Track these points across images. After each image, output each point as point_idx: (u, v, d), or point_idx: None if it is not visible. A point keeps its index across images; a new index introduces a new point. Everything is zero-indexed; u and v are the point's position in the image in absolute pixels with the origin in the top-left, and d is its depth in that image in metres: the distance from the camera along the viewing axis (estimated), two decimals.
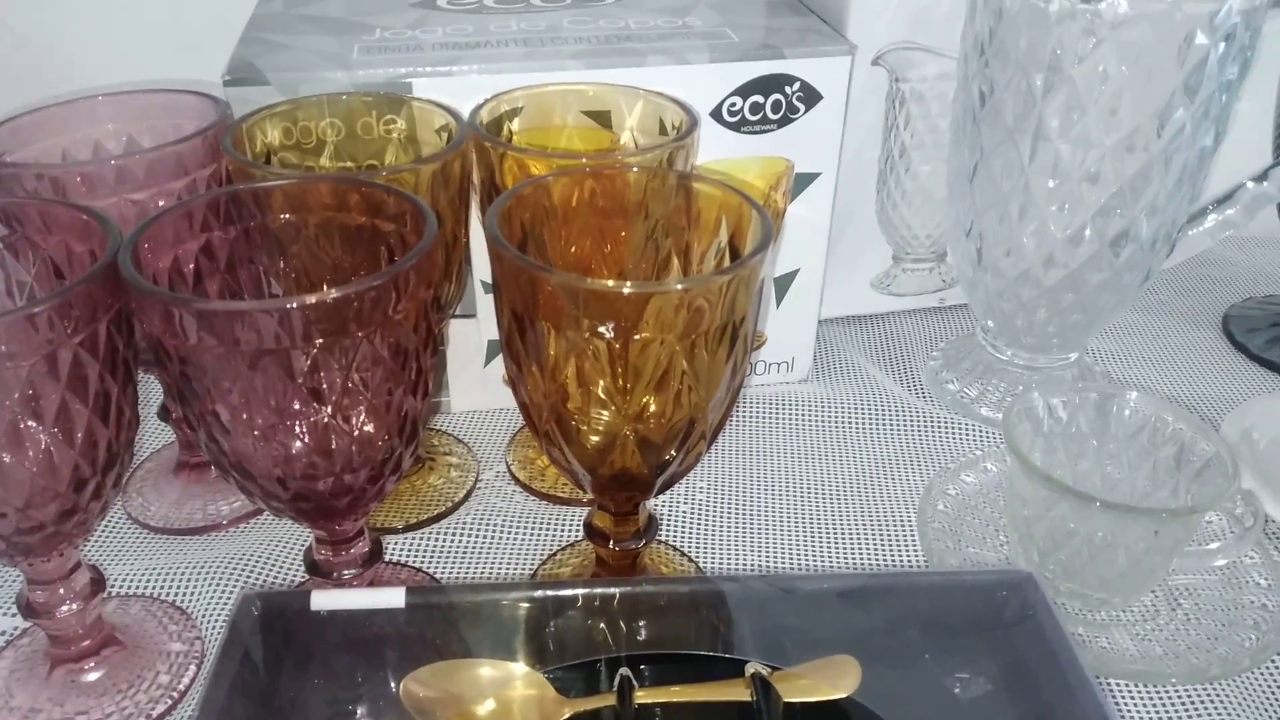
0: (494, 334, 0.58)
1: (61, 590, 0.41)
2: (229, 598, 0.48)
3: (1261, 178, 0.54)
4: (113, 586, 0.48)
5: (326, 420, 0.35)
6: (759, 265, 0.36)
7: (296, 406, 0.35)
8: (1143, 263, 0.54)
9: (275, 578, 0.49)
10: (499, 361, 0.59)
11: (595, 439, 0.38)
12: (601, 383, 0.37)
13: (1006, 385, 0.61)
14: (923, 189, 0.65)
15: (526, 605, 0.39)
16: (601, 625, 0.39)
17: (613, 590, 0.39)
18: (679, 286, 0.35)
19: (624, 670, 0.37)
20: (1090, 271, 0.53)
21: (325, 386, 0.34)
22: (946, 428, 0.60)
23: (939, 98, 0.61)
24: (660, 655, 0.38)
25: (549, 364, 0.37)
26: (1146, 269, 0.54)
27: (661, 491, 0.42)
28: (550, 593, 0.39)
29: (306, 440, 0.36)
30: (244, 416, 0.35)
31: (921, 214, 0.66)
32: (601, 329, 0.35)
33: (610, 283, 0.35)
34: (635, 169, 0.43)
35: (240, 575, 0.49)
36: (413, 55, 0.51)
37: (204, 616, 0.47)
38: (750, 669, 0.37)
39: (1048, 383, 0.60)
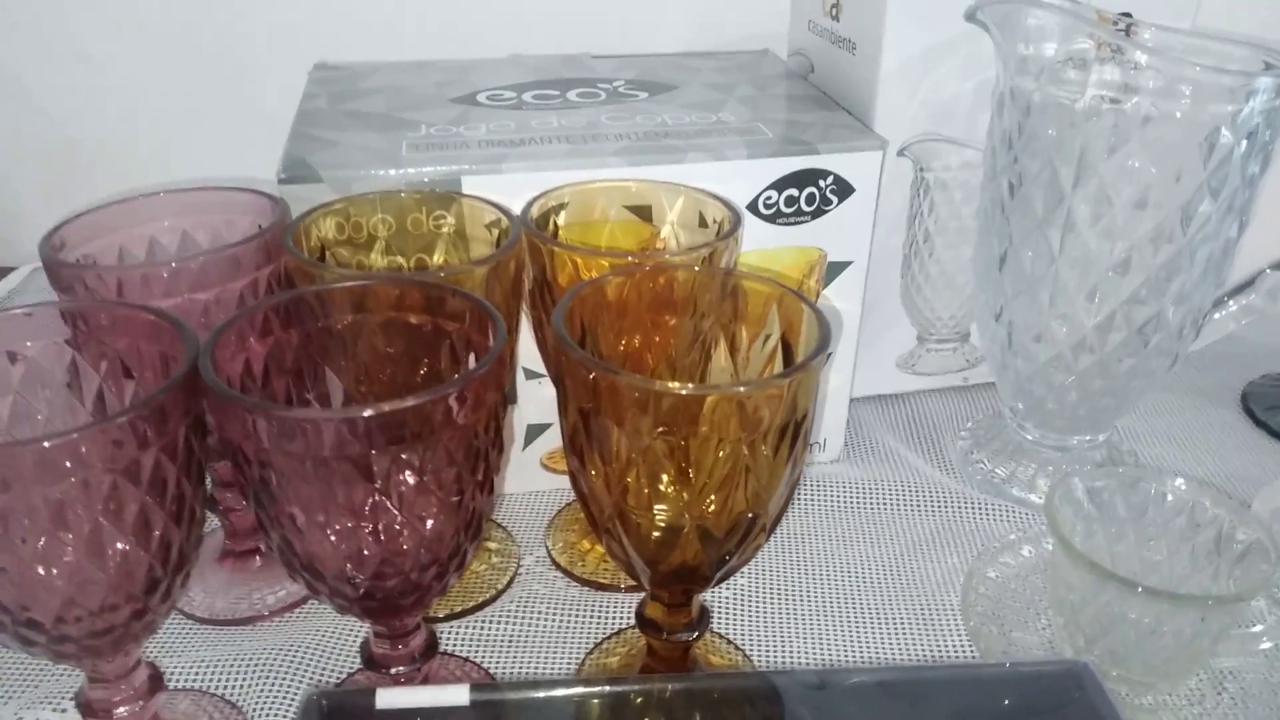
0: (533, 419, 0.59)
1: (123, 687, 0.41)
2: (280, 690, 0.48)
3: None
4: None
5: (399, 522, 0.36)
6: (819, 366, 0.37)
7: (371, 509, 0.35)
8: (1171, 348, 0.55)
9: (324, 668, 0.49)
10: (537, 445, 0.60)
11: (657, 534, 0.39)
12: (665, 478, 0.38)
13: (1037, 466, 0.62)
14: (946, 272, 0.67)
15: (592, 701, 0.39)
16: None
17: (678, 686, 0.39)
18: (742, 389, 0.37)
19: None
20: (1120, 357, 0.55)
21: (401, 489, 0.35)
22: (979, 508, 0.61)
23: (961, 185, 0.63)
24: None
25: (613, 459, 0.38)
26: (1174, 354, 0.56)
27: (718, 584, 0.42)
28: (614, 689, 0.39)
29: (380, 541, 0.36)
30: (319, 519, 0.35)
31: (945, 296, 0.68)
32: (666, 427, 0.36)
33: (675, 384, 0.36)
34: (688, 267, 0.44)
35: (289, 667, 0.49)
36: (461, 153, 0.53)
37: (255, 710, 0.47)
38: None
39: (1082, 465, 0.61)
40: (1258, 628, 0.48)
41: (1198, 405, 0.71)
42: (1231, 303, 0.57)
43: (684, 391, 0.36)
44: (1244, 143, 0.48)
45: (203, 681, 0.48)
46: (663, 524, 0.39)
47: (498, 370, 0.37)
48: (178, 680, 0.49)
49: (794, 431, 0.37)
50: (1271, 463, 0.65)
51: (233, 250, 0.46)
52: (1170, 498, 0.49)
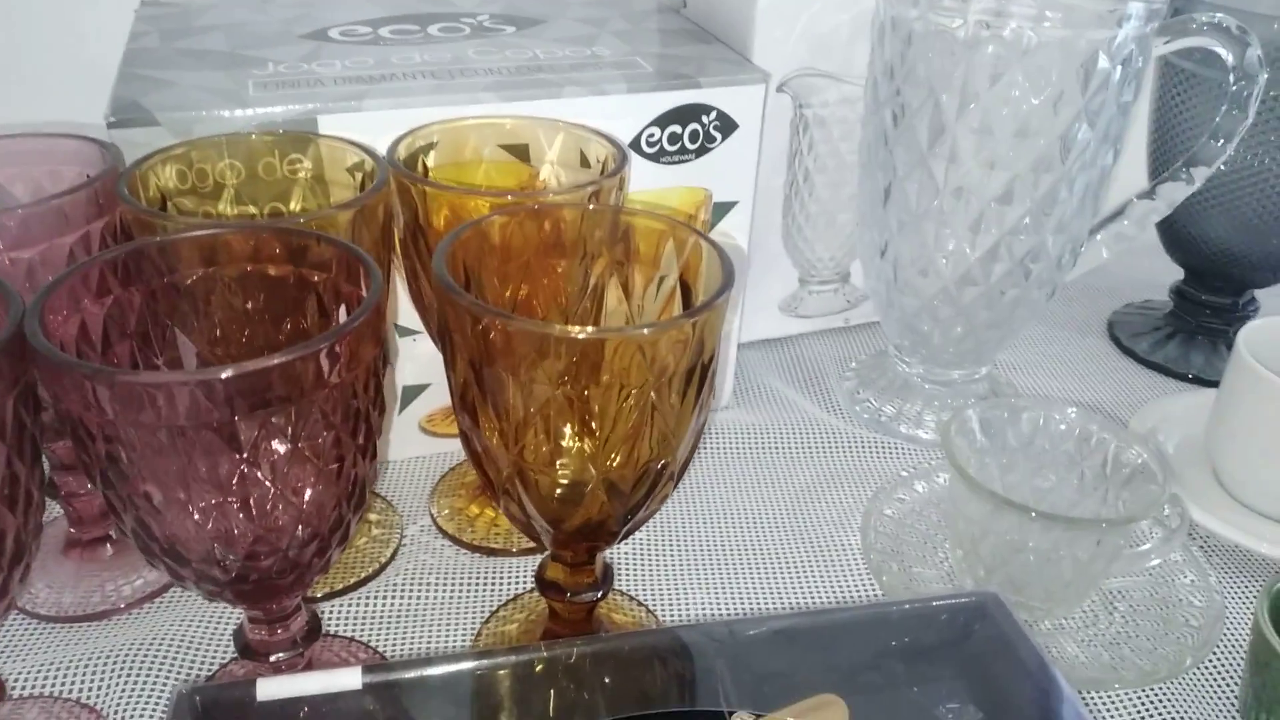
0: (410, 379, 0.55)
1: None
2: (144, 689, 0.43)
3: (1149, 194, 0.57)
4: None
5: (273, 494, 0.32)
6: (724, 305, 0.35)
7: (239, 482, 0.32)
8: (1051, 278, 0.55)
9: (194, 661, 0.45)
10: (415, 407, 0.57)
11: (560, 491, 0.37)
12: (567, 432, 0.35)
13: (923, 402, 0.62)
14: (826, 212, 0.66)
15: (496, 674, 0.37)
16: (573, 687, 0.37)
17: (584, 649, 0.37)
18: (646, 331, 0.34)
19: None
20: (1004, 289, 0.55)
21: (273, 458, 0.31)
22: (870, 447, 0.61)
23: (840, 122, 0.62)
24: (644, 716, 0.36)
25: (509, 415, 0.35)
26: (1054, 284, 0.56)
27: (624, 539, 0.40)
28: (517, 658, 0.37)
29: (251, 517, 0.32)
30: (179, 496, 0.31)
31: (825, 236, 0.67)
32: (567, 376, 0.34)
33: (574, 329, 0.34)
34: (575, 205, 0.41)
35: (153, 663, 0.45)
36: (315, 91, 0.48)
37: (116, 713, 0.42)
38: (737, 718, 0.35)
39: (966, 399, 0.62)
40: (1145, 546, 0.49)
41: (1068, 336, 0.73)
42: (1104, 232, 0.58)
43: (583, 337, 0.33)
44: (1119, 69, 0.49)
45: (53, 686, 0.43)
46: (566, 480, 0.36)
47: (375, 321, 0.33)
48: (23, 687, 0.43)
49: (701, 375, 0.35)
50: (1138, 387, 0.67)
51: (58, 201, 0.40)
52: (1062, 426, 0.50)
